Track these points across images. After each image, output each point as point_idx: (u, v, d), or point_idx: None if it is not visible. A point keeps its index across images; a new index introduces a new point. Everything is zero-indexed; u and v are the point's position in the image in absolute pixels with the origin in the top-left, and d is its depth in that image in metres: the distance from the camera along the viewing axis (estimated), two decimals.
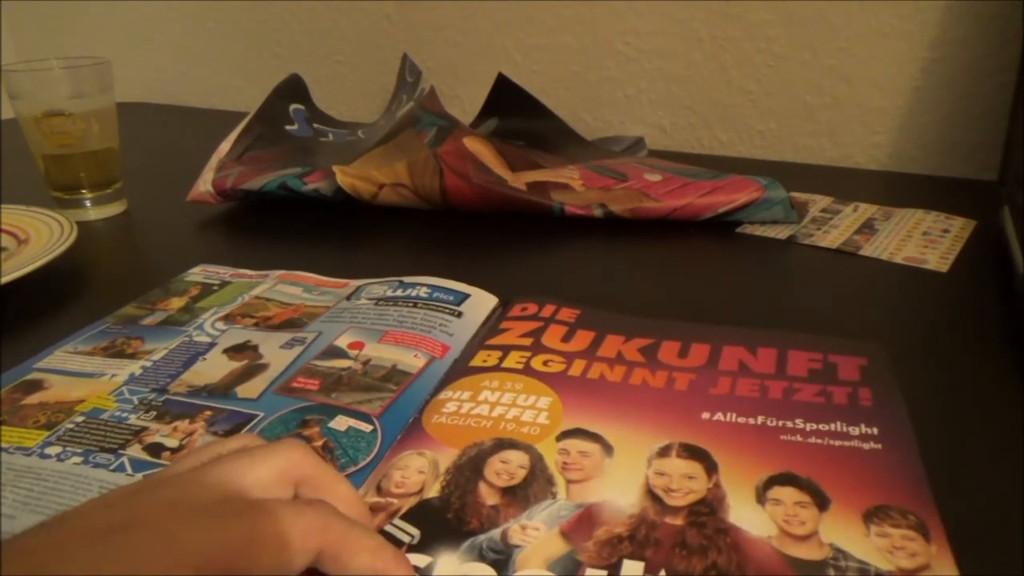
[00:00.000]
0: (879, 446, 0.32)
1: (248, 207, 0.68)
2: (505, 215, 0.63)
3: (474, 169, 0.63)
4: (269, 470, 0.26)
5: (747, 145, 0.85)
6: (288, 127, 0.78)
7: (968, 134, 0.76)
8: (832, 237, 0.59)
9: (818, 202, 0.66)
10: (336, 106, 1.01)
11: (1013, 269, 0.48)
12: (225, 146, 0.70)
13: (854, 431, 0.34)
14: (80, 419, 0.37)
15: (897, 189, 0.71)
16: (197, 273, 0.54)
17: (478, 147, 0.65)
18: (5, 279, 0.47)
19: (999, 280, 0.51)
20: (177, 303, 0.49)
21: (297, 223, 0.64)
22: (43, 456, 0.35)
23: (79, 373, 0.41)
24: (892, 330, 0.45)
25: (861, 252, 0.56)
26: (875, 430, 0.34)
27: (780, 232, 0.60)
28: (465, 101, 0.97)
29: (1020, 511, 0.31)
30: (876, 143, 0.80)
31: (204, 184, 0.66)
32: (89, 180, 0.67)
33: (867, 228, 0.60)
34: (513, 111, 0.79)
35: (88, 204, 0.67)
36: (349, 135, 0.82)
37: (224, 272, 0.53)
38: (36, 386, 0.40)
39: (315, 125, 0.82)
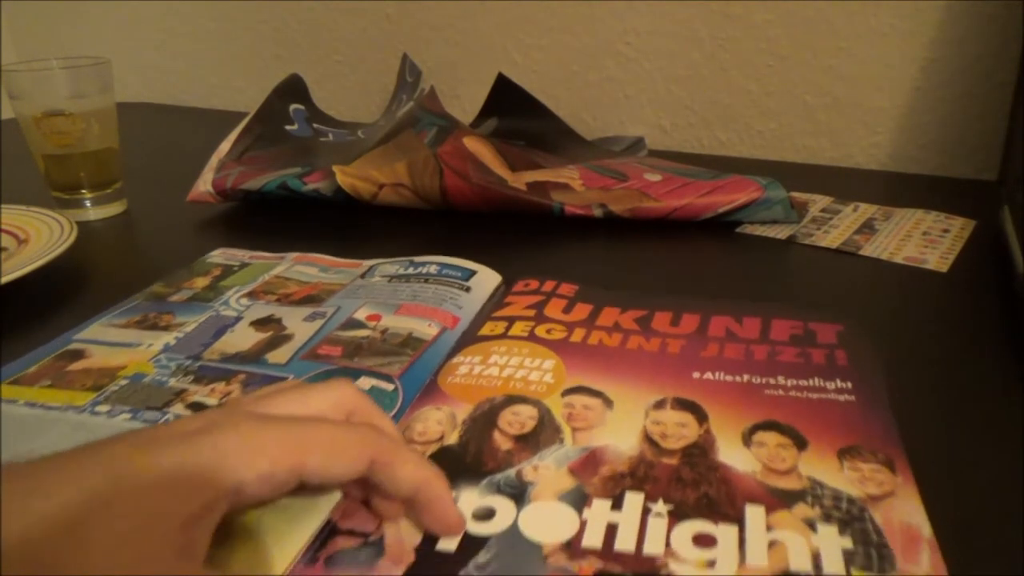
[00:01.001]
0: (853, 398, 0.36)
1: (248, 207, 0.68)
2: (505, 215, 0.63)
3: (474, 169, 0.63)
4: (325, 400, 0.29)
5: (747, 145, 0.85)
6: (288, 127, 0.78)
7: (968, 134, 0.76)
8: (832, 237, 0.59)
9: (818, 202, 0.66)
10: (336, 106, 1.01)
11: (1013, 269, 0.48)
12: (225, 146, 0.70)
13: (830, 386, 0.37)
14: (124, 383, 0.40)
15: (897, 189, 0.71)
16: (217, 255, 0.56)
17: (478, 147, 0.65)
18: (5, 279, 0.47)
19: (999, 280, 0.51)
20: (201, 282, 0.52)
21: (298, 221, 0.64)
22: (94, 413, 0.37)
23: (117, 343, 0.44)
24: (892, 330, 0.45)
25: (861, 252, 0.56)
26: (849, 384, 0.37)
27: (780, 232, 0.60)
28: (465, 101, 0.97)
29: (1020, 511, 0.31)
30: (876, 143, 0.80)
31: (204, 184, 0.66)
32: (89, 180, 0.67)
33: (867, 228, 0.60)
34: (513, 111, 0.79)
35: (88, 204, 0.67)
36: (349, 135, 0.82)
37: (243, 254, 0.56)
38: (78, 355, 0.43)
39: (315, 125, 0.82)
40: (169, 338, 0.44)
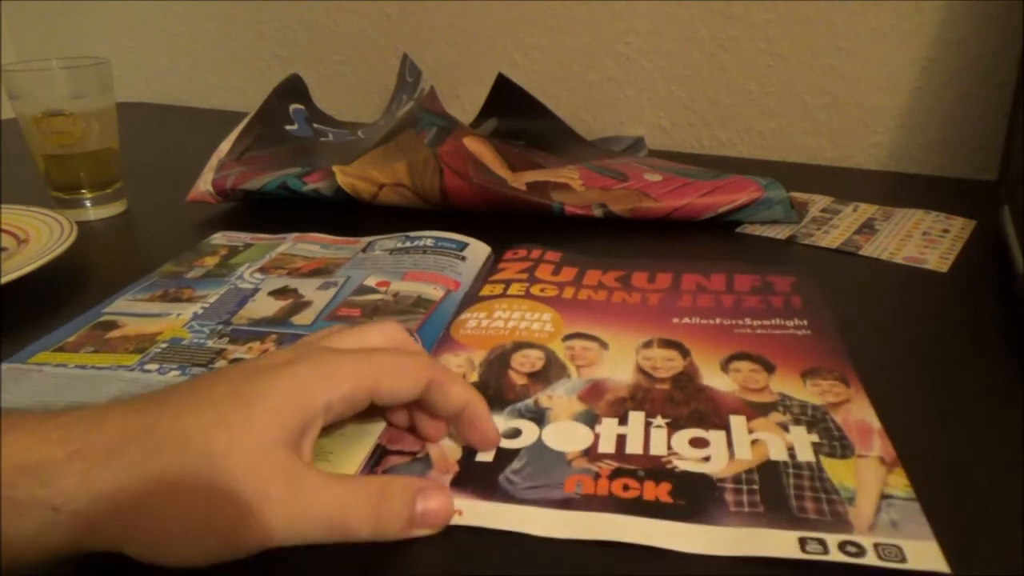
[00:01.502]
0: (809, 332, 0.43)
1: (248, 207, 0.68)
2: (505, 215, 0.63)
3: (474, 169, 0.63)
4: (380, 335, 0.34)
5: (747, 145, 0.85)
6: (288, 127, 0.78)
7: (968, 134, 0.76)
8: (832, 237, 0.59)
9: (818, 202, 0.66)
10: (336, 106, 1.01)
11: (1013, 269, 0.48)
12: (225, 146, 0.70)
13: (789, 324, 0.43)
14: (164, 345, 0.43)
15: (897, 189, 0.71)
16: (219, 237, 0.59)
17: (478, 147, 0.65)
18: (5, 279, 0.47)
19: (999, 280, 0.51)
20: (211, 261, 0.54)
21: (299, 220, 0.64)
22: (144, 371, 0.40)
23: (148, 314, 0.47)
24: (892, 330, 0.45)
25: (861, 252, 0.56)
26: (805, 322, 0.44)
27: (780, 232, 0.60)
28: (465, 101, 0.97)
29: (1020, 511, 0.31)
30: (876, 143, 0.80)
31: (204, 184, 0.66)
32: (89, 180, 0.67)
33: (867, 228, 0.60)
34: (513, 111, 0.79)
35: (88, 204, 0.67)
36: (349, 135, 0.82)
37: (244, 236, 0.59)
38: (112, 326, 0.45)
39: (315, 125, 0.82)
40: (196, 308, 0.47)
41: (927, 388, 0.39)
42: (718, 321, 0.44)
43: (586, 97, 0.91)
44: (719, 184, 0.62)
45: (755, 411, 0.36)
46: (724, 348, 0.41)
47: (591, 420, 0.35)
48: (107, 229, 0.65)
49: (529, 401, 0.37)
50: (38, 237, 0.55)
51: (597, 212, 0.61)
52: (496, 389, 0.38)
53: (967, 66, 0.74)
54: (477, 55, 0.95)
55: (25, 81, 0.63)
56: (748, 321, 0.44)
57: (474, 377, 0.39)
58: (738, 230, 0.61)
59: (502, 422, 0.35)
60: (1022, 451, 0.34)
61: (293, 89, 0.81)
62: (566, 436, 0.34)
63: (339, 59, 1.04)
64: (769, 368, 0.39)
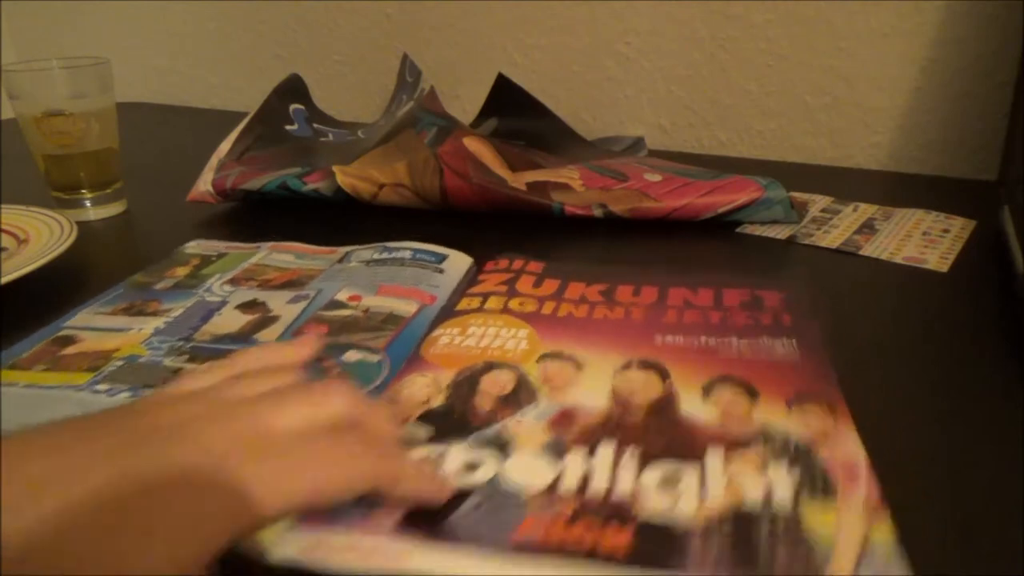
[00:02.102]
0: (797, 354, 0.40)
1: (248, 207, 0.68)
2: (505, 215, 0.63)
3: (474, 169, 0.63)
4: (331, 410, 0.30)
5: (747, 145, 0.85)
6: (288, 127, 0.78)
7: (968, 134, 0.76)
8: (832, 237, 0.59)
9: (818, 202, 0.66)
10: (336, 106, 1.01)
11: (1013, 269, 0.48)
12: (225, 146, 0.70)
13: (777, 344, 0.41)
14: (120, 363, 0.41)
15: (897, 189, 0.71)
16: (194, 246, 0.57)
17: (478, 147, 0.65)
18: (5, 279, 0.47)
19: (999, 280, 0.51)
20: (183, 271, 0.53)
21: (299, 219, 0.64)
22: (94, 392, 0.38)
23: (108, 328, 0.45)
24: (892, 330, 0.45)
25: (861, 252, 0.56)
26: (794, 342, 0.41)
27: (780, 232, 0.60)
28: (465, 101, 0.97)
29: (1020, 511, 0.31)
30: (876, 143, 0.80)
31: (204, 184, 0.66)
32: (89, 180, 0.67)
33: (867, 228, 0.60)
34: (513, 111, 0.79)
35: (88, 204, 0.67)
36: (349, 135, 0.82)
37: (219, 245, 0.57)
38: (70, 340, 0.44)
39: (315, 125, 0.82)
40: (158, 323, 0.45)
41: (927, 388, 0.39)
42: (703, 340, 0.42)
43: (586, 97, 0.91)
44: (719, 184, 0.62)
45: (734, 444, 0.33)
46: (707, 371, 0.39)
47: (559, 451, 0.33)
48: (107, 229, 0.65)
49: (496, 427, 0.35)
50: (38, 237, 0.55)
51: (597, 212, 0.61)
52: (461, 414, 0.36)
53: (967, 66, 0.74)
54: (477, 55, 0.95)
55: (25, 81, 0.63)
56: (734, 341, 0.42)
57: (440, 400, 0.37)
58: (738, 230, 0.61)
59: (463, 453, 0.33)
60: (1022, 451, 0.34)
61: (293, 89, 0.81)
62: (528, 470, 0.32)
63: (339, 59, 1.04)
64: (753, 394, 0.37)
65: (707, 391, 0.37)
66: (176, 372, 0.40)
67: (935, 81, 0.76)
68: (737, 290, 0.48)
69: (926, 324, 0.46)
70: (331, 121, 0.85)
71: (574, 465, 0.32)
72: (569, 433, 0.34)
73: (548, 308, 0.46)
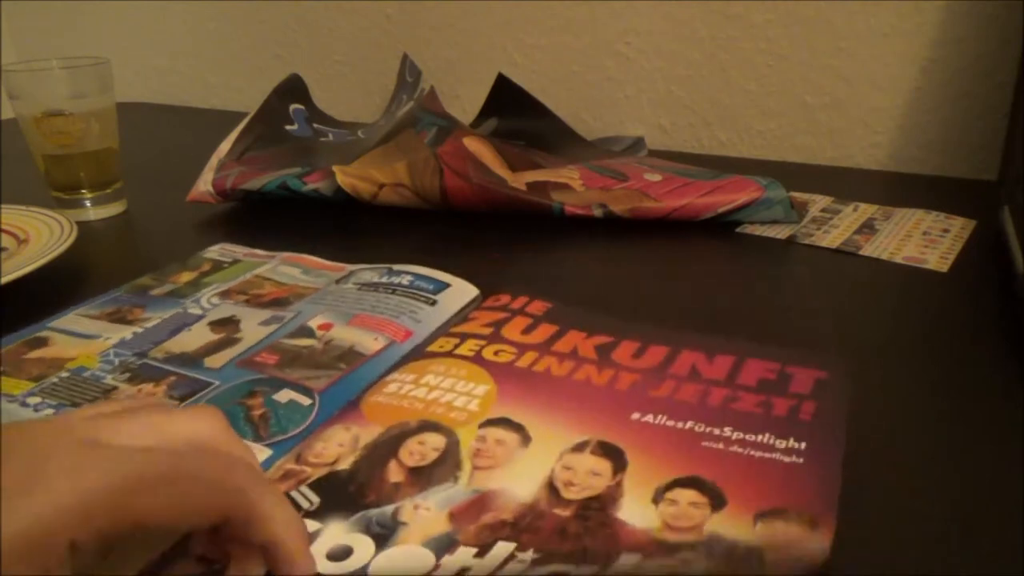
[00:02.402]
0: (801, 460, 0.32)
1: (248, 207, 0.68)
2: (505, 215, 0.63)
3: (474, 169, 0.63)
4: (185, 430, 0.27)
5: (747, 145, 0.85)
6: (288, 127, 0.78)
7: (968, 134, 0.76)
8: (832, 237, 0.59)
9: (818, 202, 0.66)
10: (336, 106, 1.01)
11: (1013, 269, 0.48)
12: (225, 146, 0.70)
13: (780, 444, 0.33)
14: (65, 375, 0.41)
15: (897, 189, 0.71)
16: (215, 251, 0.57)
17: (478, 147, 0.65)
18: (5, 279, 0.47)
19: (999, 280, 0.51)
20: (186, 277, 0.53)
21: (299, 219, 0.64)
22: (23, 405, 0.38)
23: (80, 334, 0.45)
24: (892, 330, 0.45)
25: (861, 252, 0.56)
26: (803, 445, 0.33)
27: (780, 232, 0.60)
28: (465, 101, 0.97)
29: (1020, 511, 0.31)
30: (876, 143, 0.80)
31: (204, 184, 0.66)
32: (89, 180, 0.67)
33: (867, 228, 0.60)
34: (513, 111, 0.79)
35: (88, 204, 0.67)
36: (349, 135, 0.82)
37: (239, 251, 0.57)
38: (41, 343, 0.44)
39: (315, 125, 0.82)
40: (127, 333, 0.45)
41: (927, 388, 0.39)
42: (688, 426, 0.35)
43: (586, 97, 0.91)
44: (719, 184, 0.62)
45: (660, 550, 0.28)
46: (675, 466, 0.32)
47: (445, 547, 0.29)
48: (107, 229, 0.65)
49: (388, 510, 0.30)
50: (38, 237, 0.55)
51: (597, 212, 0.61)
52: (361, 485, 0.32)
53: (967, 66, 0.74)
54: (477, 55, 0.95)
55: (25, 81, 0.63)
56: (727, 431, 0.34)
57: (348, 463, 0.33)
58: (738, 230, 0.61)
59: (341, 533, 0.29)
60: (1022, 451, 0.34)
61: (293, 89, 0.81)
62: (400, 567, 0.28)
63: (339, 59, 1.04)
64: (718, 504, 0.30)
65: (661, 493, 0.31)
66: (108, 392, 0.39)
67: (935, 81, 0.76)
68: (763, 362, 0.40)
69: (926, 324, 0.46)
70: (331, 121, 0.85)
71: (454, 565, 0.28)
72: (469, 527, 0.30)
73: (526, 360, 0.41)
